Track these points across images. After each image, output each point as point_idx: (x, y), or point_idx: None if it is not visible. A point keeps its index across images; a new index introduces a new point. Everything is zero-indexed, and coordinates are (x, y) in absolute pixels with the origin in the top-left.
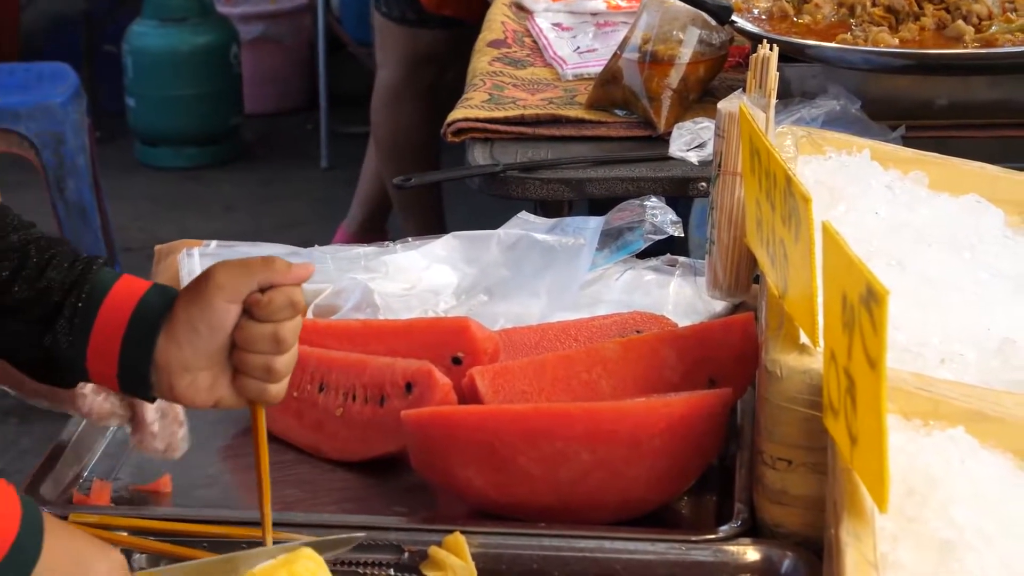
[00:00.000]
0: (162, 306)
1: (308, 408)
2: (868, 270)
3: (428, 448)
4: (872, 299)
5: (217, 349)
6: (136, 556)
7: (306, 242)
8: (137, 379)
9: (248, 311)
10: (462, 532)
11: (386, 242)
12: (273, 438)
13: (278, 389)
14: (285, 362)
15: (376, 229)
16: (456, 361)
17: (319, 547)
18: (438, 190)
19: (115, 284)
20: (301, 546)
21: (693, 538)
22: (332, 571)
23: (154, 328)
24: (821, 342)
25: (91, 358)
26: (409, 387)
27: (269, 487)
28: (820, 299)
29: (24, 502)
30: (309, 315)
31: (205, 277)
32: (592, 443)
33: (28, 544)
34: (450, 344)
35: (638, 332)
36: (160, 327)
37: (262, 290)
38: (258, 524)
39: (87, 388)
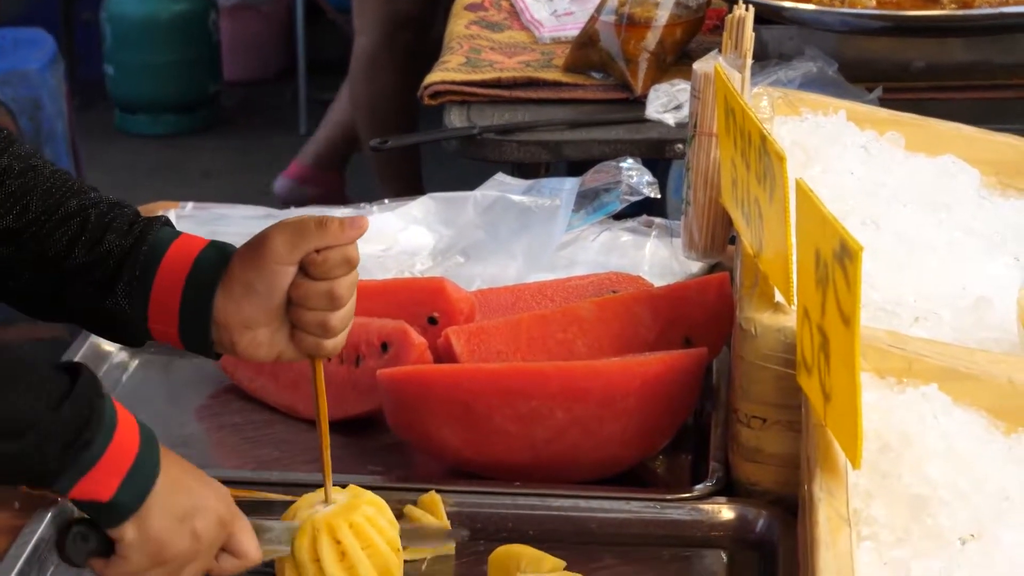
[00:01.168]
0: (218, 264)
1: (284, 368)
2: (841, 226)
3: (404, 407)
4: (846, 255)
5: (275, 307)
6: None
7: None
8: (199, 337)
9: (304, 269)
10: (437, 491)
11: (362, 204)
12: (248, 398)
13: (335, 344)
14: (340, 317)
15: (330, 168)
16: (432, 321)
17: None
18: (416, 154)
19: (172, 244)
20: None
21: (668, 497)
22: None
23: (211, 287)
24: (795, 300)
25: (152, 318)
26: (385, 347)
27: (328, 443)
28: (794, 257)
29: (143, 429)
30: None
31: (262, 239)
32: (567, 402)
33: (147, 462)
34: (426, 304)
35: (614, 292)
36: (217, 286)
37: (317, 251)
38: (238, 484)
39: None
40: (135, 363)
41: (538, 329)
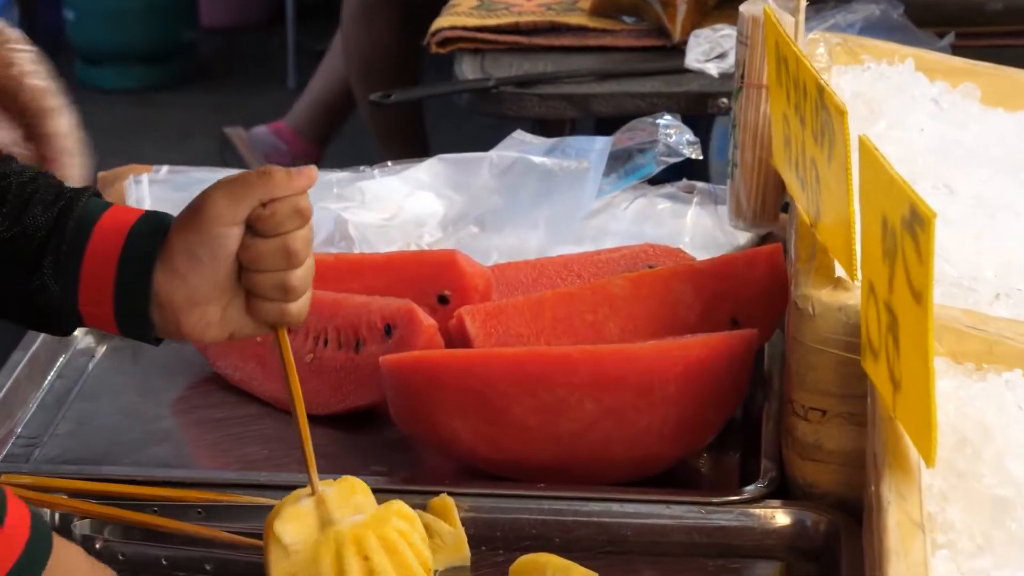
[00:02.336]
0: (155, 235)
1: (272, 355)
2: (912, 190)
3: (410, 398)
4: (917, 222)
5: (223, 276)
6: (77, 522)
7: None
8: (137, 320)
9: (251, 227)
10: (449, 494)
11: (361, 167)
12: (232, 389)
13: (299, 307)
14: (301, 276)
15: (316, 139)
16: (443, 300)
17: None
18: (420, 110)
19: (103, 215)
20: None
21: (714, 500)
22: None
23: (149, 262)
24: (859, 274)
25: (84, 300)
26: (389, 329)
27: (307, 424)
28: (857, 226)
29: (33, 514)
30: None
31: (201, 199)
32: (597, 391)
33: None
34: (436, 280)
35: (650, 267)
36: (155, 259)
37: (263, 204)
38: (222, 487)
39: None
40: (103, 349)
41: (564, 309)
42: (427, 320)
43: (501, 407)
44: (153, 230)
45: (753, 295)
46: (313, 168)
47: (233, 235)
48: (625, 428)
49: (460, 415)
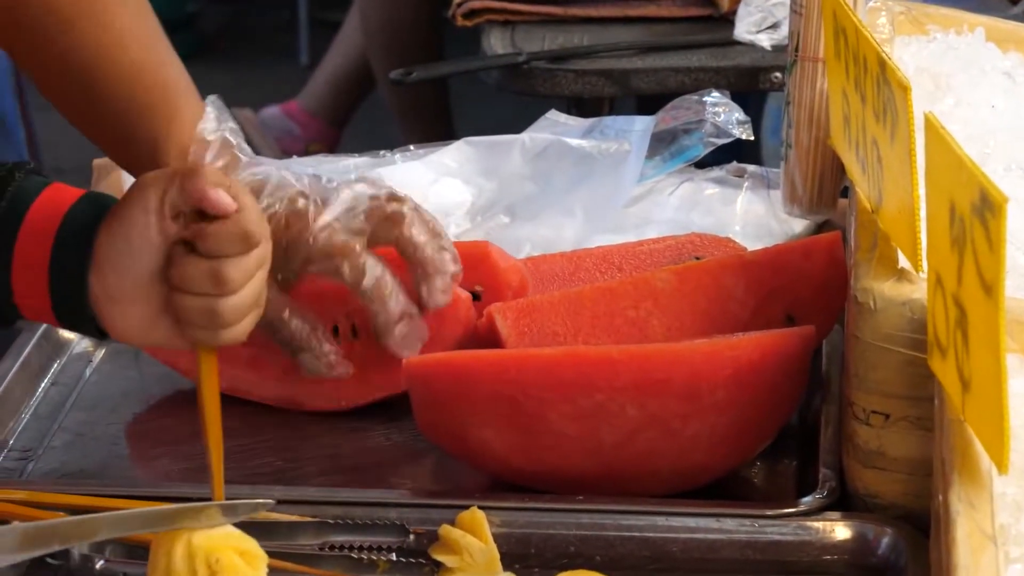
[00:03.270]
0: (94, 219)
1: (264, 355)
2: (982, 172)
3: (435, 405)
4: (987, 208)
5: (143, 278)
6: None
7: None
8: (76, 313)
9: (188, 242)
10: (480, 507)
11: (382, 151)
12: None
13: (231, 336)
14: (234, 306)
15: (333, 120)
16: (475, 296)
17: (226, 511)
18: (445, 89)
19: (40, 195)
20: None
21: (768, 512)
22: (322, 555)
23: (84, 248)
24: (924, 265)
25: (19, 291)
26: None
27: (221, 445)
28: (923, 212)
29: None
30: None
31: (133, 187)
32: (640, 396)
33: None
34: (466, 275)
35: (697, 259)
36: (92, 246)
37: (211, 219)
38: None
39: None
40: (101, 353)
41: (604, 305)
42: (463, 292)
43: (536, 414)
44: (92, 214)
45: (810, 289)
46: (233, 203)
47: (151, 231)
48: (671, 436)
49: (491, 423)
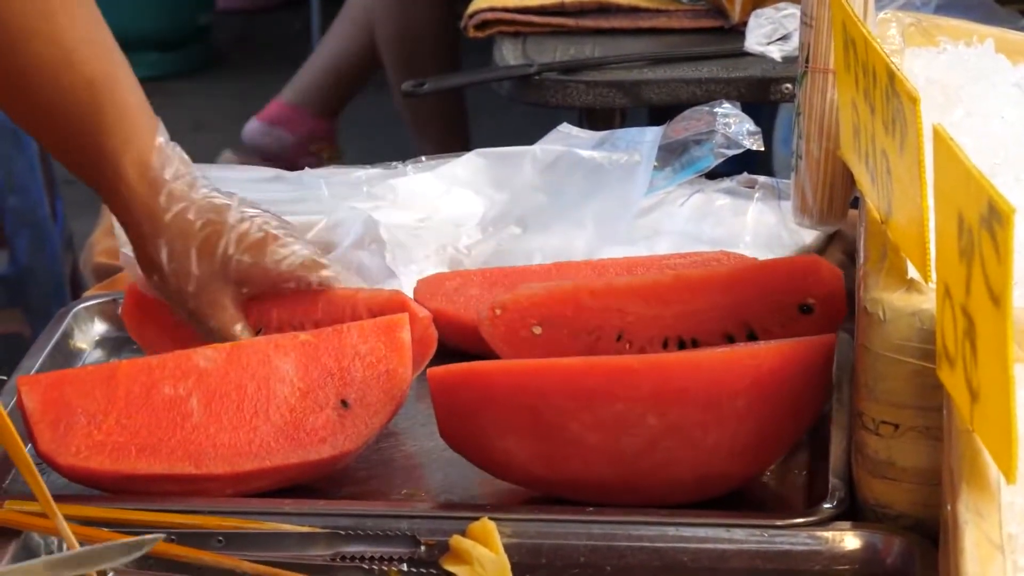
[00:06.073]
0: None
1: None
2: (990, 183)
3: (458, 415)
4: (995, 219)
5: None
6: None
7: None
8: None
9: None
10: (491, 518)
11: (393, 163)
12: None
13: None
14: None
15: (324, 111)
16: (806, 309)
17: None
18: (460, 99)
19: None
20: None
21: (778, 522)
22: (334, 566)
23: None
24: (933, 276)
25: None
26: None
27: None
28: (931, 223)
29: None
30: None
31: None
32: (660, 405)
33: None
34: (797, 288)
35: None
36: None
37: None
38: (246, 514)
39: None
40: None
41: (140, 380)
42: (421, 310)
43: (557, 423)
44: None
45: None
46: None
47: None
48: (691, 445)
49: (513, 432)
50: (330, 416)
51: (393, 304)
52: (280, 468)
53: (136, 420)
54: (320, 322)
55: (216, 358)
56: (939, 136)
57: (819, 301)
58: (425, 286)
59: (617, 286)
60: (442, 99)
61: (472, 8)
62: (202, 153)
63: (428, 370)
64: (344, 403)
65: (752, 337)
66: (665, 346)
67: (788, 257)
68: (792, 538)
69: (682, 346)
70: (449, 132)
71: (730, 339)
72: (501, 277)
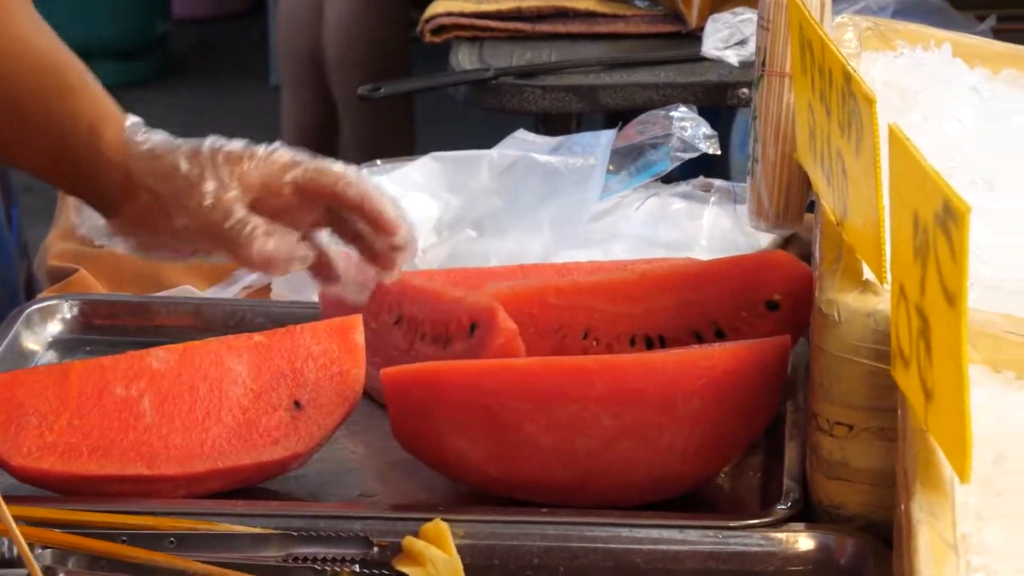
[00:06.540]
0: None
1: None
2: (945, 182)
3: (413, 415)
4: (950, 218)
5: None
6: (39, 551)
7: None
8: None
9: None
10: (444, 519)
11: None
12: None
13: None
14: None
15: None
16: (772, 306)
17: None
18: (410, 105)
19: None
20: None
21: (732, 523)
22: (286, 567)
23: None
24: (889, 277)
25: None
26: (472, 328)
27: None
28: (887, 224)
29: None
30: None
31: None
32: (615, 406)
33: None
34: (763, 284)
35: None
36: None
37: None
38: (199, 515)
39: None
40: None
41: (92, 380)
42: (508, 323)
43: (511, 424)
44: None
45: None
46: None
47: None
48: (646, 446)
49: (467, 433)
50: (283, 417)
51: (485, 312)
52: (233, 469)
53: (88, 421)
54: (435, 321)
55: (169, 359)
56: (895, 135)
57: (786, 297)
58: (388, 285)
59: (583, 284)
60: (395, 105)
61: (428, 13)
62: None
63: (382, 370)
64: (297, 404)
65: (720, 334)
66: (632, 344)
67: (754, 253)
68: (746, 539)
69: (649, 344)
70: (400, 138)
71: (698, 336)
72: (464, 277)
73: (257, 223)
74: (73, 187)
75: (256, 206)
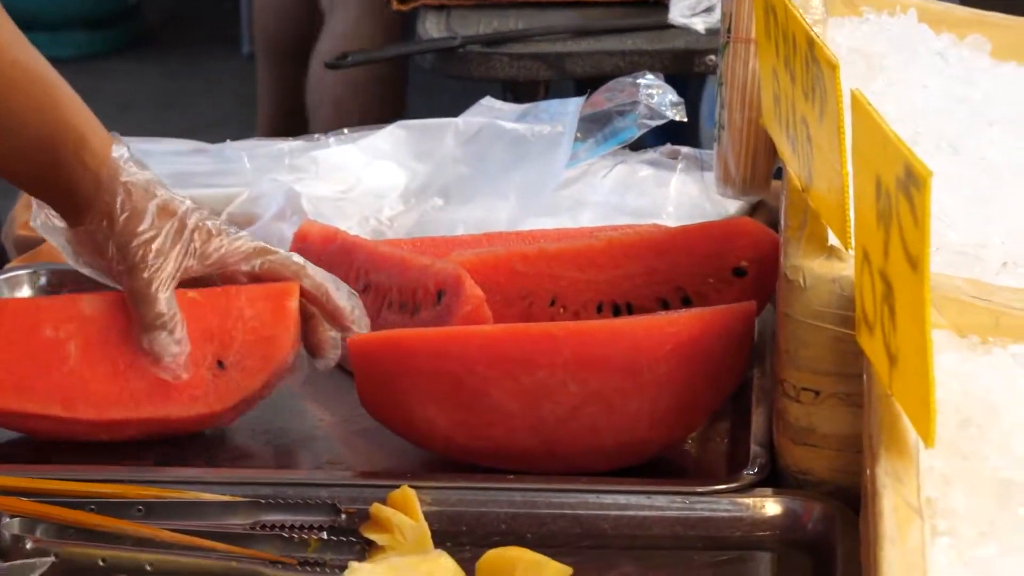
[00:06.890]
0: None
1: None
2: (906, 147)
3: (379, 383)
4: (912, 182)
5: None
6: (6, 520)
7: None
8: None
9: None
10: (411, 486)
11: (315, 135)
12: None
13: None
14: None
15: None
16: (740, 272)
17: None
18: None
19: None
20: None
21: (699, 489)
22: (254, 534)
23: None
24: (853, 243)
25: None
26: (439, 296)
27: None
28: (851, 190)
29: None
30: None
31: None
32: (581, 371)
33: None
34: (729, 251)
35: None
36: None
37: None
38: (166, 483)
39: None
40: None
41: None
42: (474, 290)
43: (478, 390)
44: None
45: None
46: None
47: None
48: (613, 412)
49: (434, 400)
50: (204, 375)
51: (452, 278)
52: (147, 420)
53: (13, 357)
54: (402, 288)
55: (102, 306)
56: (857, 100)
57: (753, 264)
58: (356, 253)
59: (550, 252)
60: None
61: None
62: (130, 132)
63: (348, 338)
64: (220, 364)
65: (687, 301)
66: (599, 311)
67: (721, 220)
68: (713, 504)
69: (616, 311)
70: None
71: (665, 303)
72: (431, 246)
73: (176, 323)
74: (45, 193)
75: (202, 279)
